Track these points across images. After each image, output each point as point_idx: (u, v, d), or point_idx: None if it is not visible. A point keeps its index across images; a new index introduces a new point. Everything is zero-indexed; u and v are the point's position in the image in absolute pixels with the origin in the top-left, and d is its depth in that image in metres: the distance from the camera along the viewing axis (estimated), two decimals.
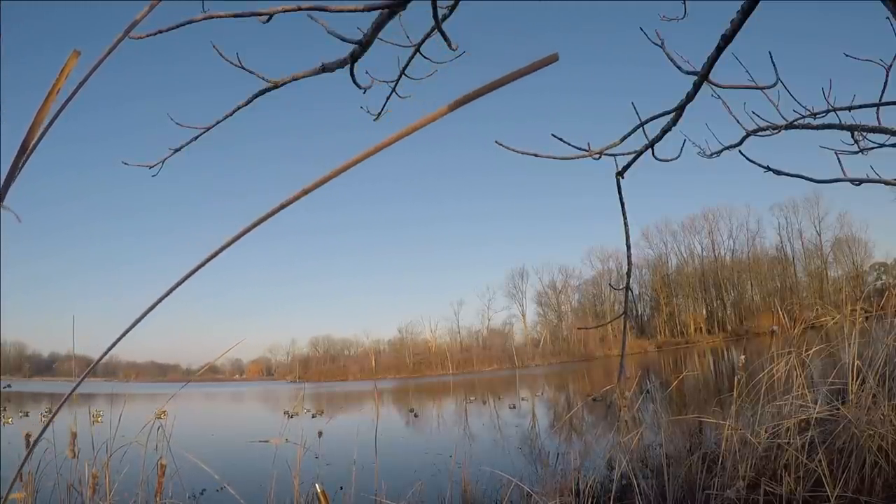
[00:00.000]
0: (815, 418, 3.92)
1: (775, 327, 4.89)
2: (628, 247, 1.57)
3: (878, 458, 3.58)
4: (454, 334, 71.11)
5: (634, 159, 1.45)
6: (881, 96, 1.34)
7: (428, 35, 1.45)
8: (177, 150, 1.37)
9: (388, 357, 70.10)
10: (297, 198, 0.40)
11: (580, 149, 1.39)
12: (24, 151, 0.42)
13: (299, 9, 0.93)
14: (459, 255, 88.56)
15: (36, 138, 0.43)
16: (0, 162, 0.44)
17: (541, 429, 12.04)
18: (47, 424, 0.49)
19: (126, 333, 0.41)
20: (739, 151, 1.46)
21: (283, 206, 0.39)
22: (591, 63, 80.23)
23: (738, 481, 3.80)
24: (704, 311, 62.24)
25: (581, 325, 67.47)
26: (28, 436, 3.48)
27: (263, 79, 1.18)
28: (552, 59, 0.40)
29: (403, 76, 1.59)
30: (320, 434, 4.23)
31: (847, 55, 1.49)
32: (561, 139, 1.43)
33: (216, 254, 0.39)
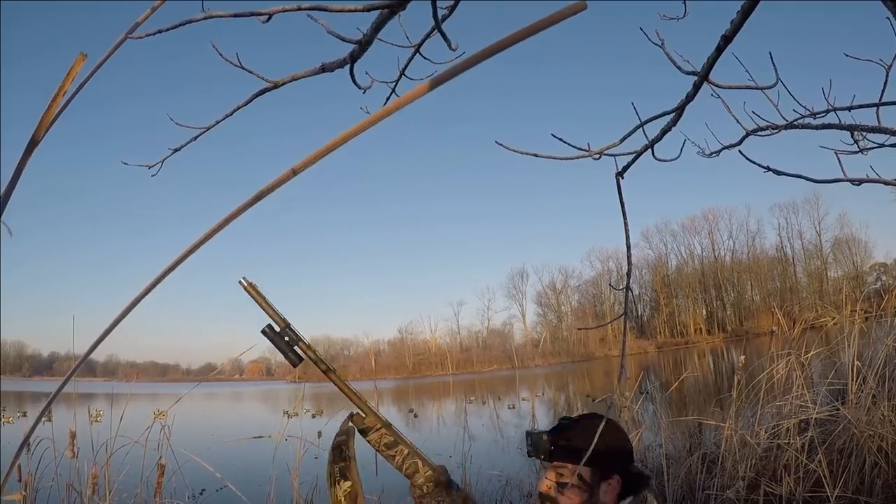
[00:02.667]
0: (815, 419, 3.92)
1: (775, 328, 4.89)
2: (628, 247, 1.57)
3: (878, 459, 3.58)
4: (454, 334, 71.15)
5: (634, 159, 1.45)
6: (881, 96, 1.34)
7: (428, 35, 1.45)
8: (176, 150, 1.37)
9: (388, 357, 70.11)
10: (284, 179, 0.40)
11: (580, 149, 1.39)
12: (31, 152, 0.42)
13: (299, 8, 0.93)
14: (460, 255, 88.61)
15: (41, 139, 0.43)
16: (0, 161, 0.44)
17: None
18: (39, 419, 0.49)
19: (109, 331, 0.41)
20: (739, 151, 1.46)
21: (265, 192, 0.39)
22: (591, 63, 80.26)
23: (737, 482, 3.80)
24: (704, 312, 62.24)
25: (581, 326, 67.54)
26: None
27: (263, 79, 1.18)
28: (579, 7, 0.38)
29: (403, 77, 1.59)
30: (320, 434, 4.23)
31: (847, 55, 1.49)
32: (561, 139, 1.43)
33: (199, 244, 0.39)
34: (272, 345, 1.34)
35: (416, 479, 1.40)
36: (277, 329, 1.36)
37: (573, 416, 1.55)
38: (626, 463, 1.47)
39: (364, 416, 1.42)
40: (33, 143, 0.39)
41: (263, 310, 1.35)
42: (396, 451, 1.41)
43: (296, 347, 1.37)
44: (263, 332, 1.35)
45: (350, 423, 1.41)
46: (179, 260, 0.40)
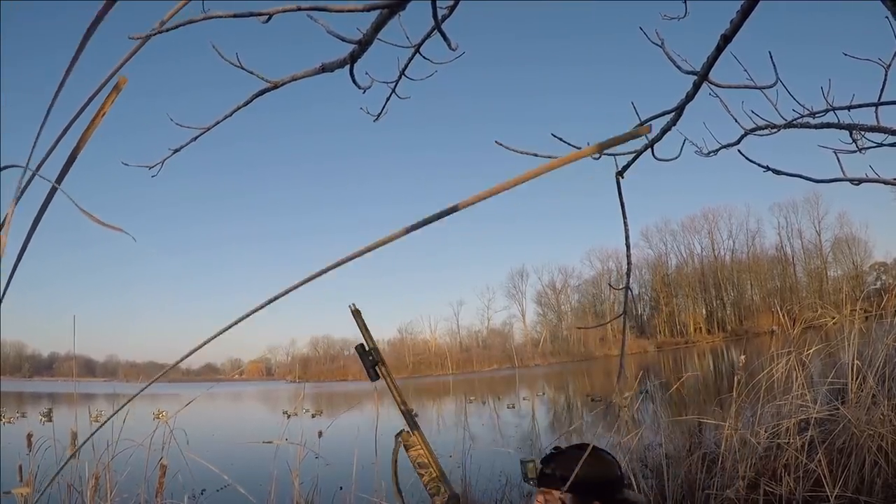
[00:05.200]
0: (815, 418, 3.92)
1: (775, 327, 4.89)
2: (628, 247, 1.58)
3: (878, 458, 3.58)
4: (454, 334, 71.12)
5: (634, 159, 1.45)
6: (880, 96, 1.34)
7: (427, 35, 1.45)
8: (176, 151, 1.37)
9: (388, 357, 68.81)
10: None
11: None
12: (69, 166, 0.42)
13: (299, 9, 0.93)
14: (459, 255, 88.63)
15: (79, 154, 0.44)
16: (1, 160, 0.44)
17: (541, 429, 12.04)
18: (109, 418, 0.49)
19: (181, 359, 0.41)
20: (738, 151, 1.46)
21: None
22: (591, 63, 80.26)
23: (737, 481, 3.80)
24: (704, 311, 62.23)
25: (581, 325, 67.58)
26: (30, 436, 3.48)
27: (263, 79, 1.18)
28: (644, 131, 0.44)
29: (403, 77, 1.59)
30: (320, 434, 4.23)
31: (846, 55, 1.50)
32: (561, 139, 1.43)
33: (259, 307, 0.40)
34: (360, 360, 1.63)
35: (435, 500, 1.62)
36: (367, 349, 1.63)
37: (563, 447, 1.75)
38: (606, 491, 1.62)
39: (410, 434, 1.68)
40: (72, 159, 0.40)
41: (362, 331, 1.63)
42: (426, 472, 1.65)
43: (377, 367, 1.65)
44: (356, 348, 1.65)
45: (399, 439, 1.68)
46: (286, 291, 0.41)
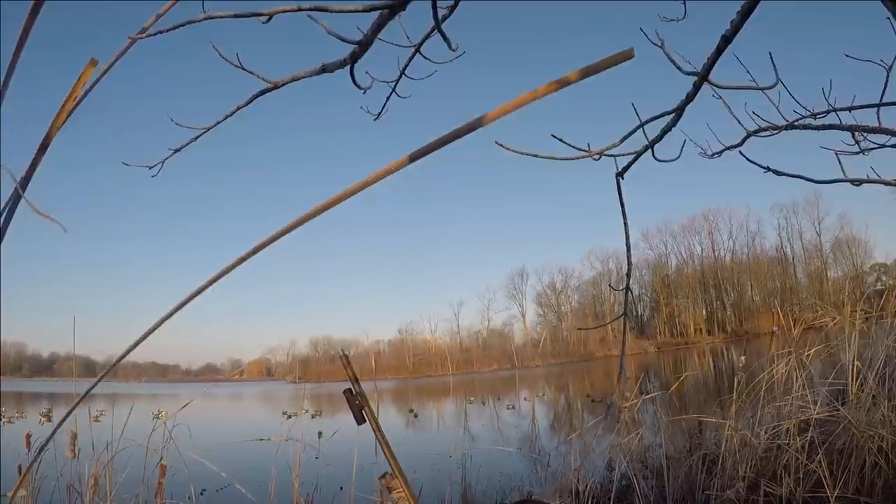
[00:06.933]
0: (815, 419, 3.91)
1: (775, 328, 4.88)
2: (628, 247, 1.58)
3: (878, 459, 3.58)
4: (454, 335, 71.14)
5: (634, 160, 1.45)
6: (881, 97, 1.34)
7: (428, 35, 1.45)
8: (176, 151, 1.37)
9: (388, 357, 70.04)
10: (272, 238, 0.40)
11: (580, 149, 1.40)
12: (43, 153, 0.42)
13: (299, 9, 0.93)
14: (459, 255, 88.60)
15: (51, 141, 0.43)
16: (1, 160, 0.44)
17: (540, 429, 12.04)
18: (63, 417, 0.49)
19: (134, 346, 0.41)
20: (740, 152, 1.46)
21: (265, 244, 0.40)
22: (590, 63, 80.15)
23: (737, 482, 3.79)
24: (704, 312, 62.23)
25: (581, 326, 67.61)
26: (28, 436, 3.48)
27: (263, 79, 1.18)
28: (627, 54, 0.43)
29: (403, 76, 1.59)
30: (320, 434, 4.23)
31: (847, 55, 1.49)
32: (561, 140, 1.43)
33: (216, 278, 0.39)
34: (348, 404, 1.72)
35: None
36: (354, 392, 1.73)
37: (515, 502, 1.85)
38: None
39: (393, 477, 1.78)
40: (44, 145, 0.40)
41: (349, 377, 1.74)
42: None
43: (363, 411, 1.74)
44: (344, 392, 1.75)
45: (383, 481, 1.77)
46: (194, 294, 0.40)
